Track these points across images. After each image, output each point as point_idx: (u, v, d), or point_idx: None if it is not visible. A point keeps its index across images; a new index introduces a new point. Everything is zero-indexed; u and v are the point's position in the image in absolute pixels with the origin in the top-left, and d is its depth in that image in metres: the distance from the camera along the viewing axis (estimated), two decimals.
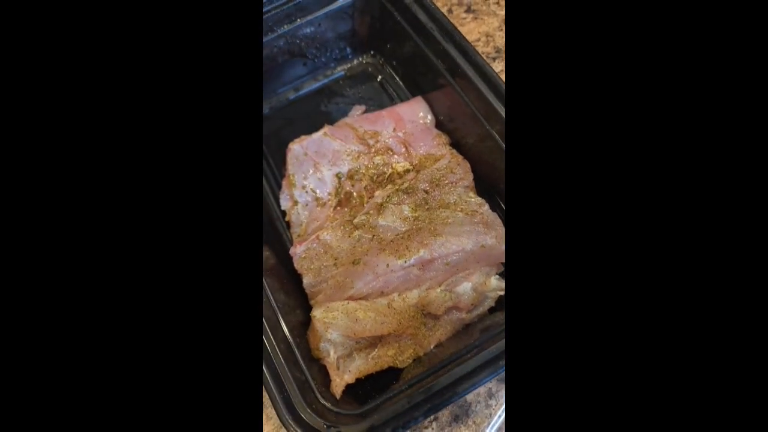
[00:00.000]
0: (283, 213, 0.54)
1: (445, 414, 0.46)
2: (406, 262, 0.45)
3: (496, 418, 0.47)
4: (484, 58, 0.63)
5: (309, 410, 0.37)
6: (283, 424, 0.36)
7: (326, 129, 0.56)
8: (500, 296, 0.47)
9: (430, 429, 0.45)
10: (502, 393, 0.47)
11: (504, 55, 0.65)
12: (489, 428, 0.46)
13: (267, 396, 0.38)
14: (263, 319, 0.42)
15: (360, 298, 0.46)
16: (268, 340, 0.40)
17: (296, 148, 0.55)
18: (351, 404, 0.41)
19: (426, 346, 0.45)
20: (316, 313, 0.44)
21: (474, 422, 0.46)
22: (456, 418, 0.46)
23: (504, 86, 0.48)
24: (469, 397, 0.47)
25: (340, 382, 0.42)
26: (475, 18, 0.67)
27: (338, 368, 0.43)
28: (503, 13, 0.67)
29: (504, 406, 0.47)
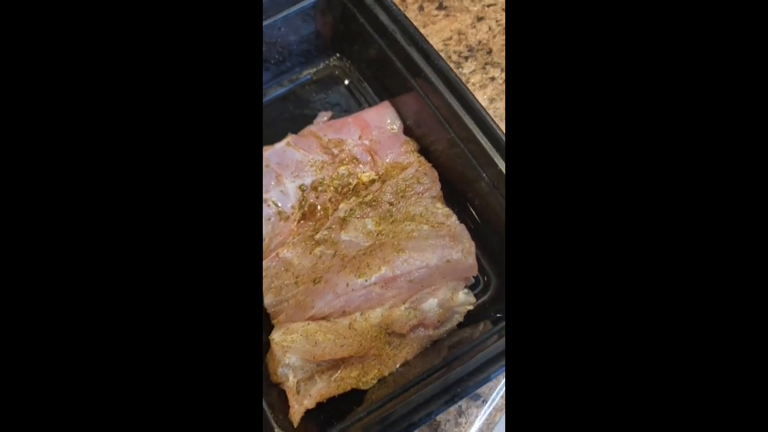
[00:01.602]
0: None
1: None
2: (366, 280, 0.43)
3: None
4: (456, 57, 0.60)
5: None
6: None
7: (289, 138, 0.54)
8: (470, 311, 0.46)
9: None
10: (473, 411, 0.46)
11: (476, 54, 0.62)
12: None
13: None
14: None
15: (321, 318, 0.44)
16: None
17: None
18: (311, 431, 0.39)
19: (391, 365, 0.43)
20: (275, 336, 0.42)
21: None
22: None
23: (468, 92, 0.46)
24: (439, 416, 0.45)
25: (298, 408, 0.40)
26: (447, 15, 0.64)
27: (298, 392, 0.41)
28: (476, 8, 0.65)
29: (473, 425, 0.45)
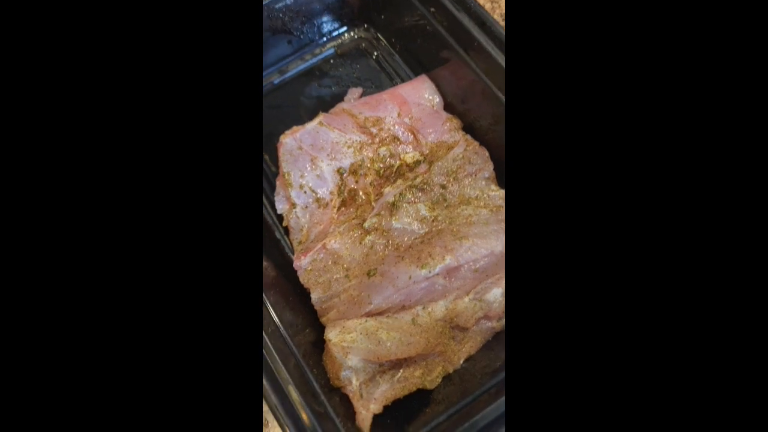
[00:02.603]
0: (280, 217, 0.48)
1: None
2: (430, 271, 0.39)
3: None
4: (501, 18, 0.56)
5: None
6: None
7: (321, 117, 0.49)
8: None
9: None
10: None
11: None
12: None
13: None
14: (270, 346, 0.36)
15: (378, 314, 0.40)
16: (279, 370, 0.35)
17: (289, 141, 0.48)
18: None
19: (456, 362, 0.40)
20: (332, 336, 0.39)
21: None
22: None
23: None
24: None
25: (366, 414, 0.37)
26: None
27: (362, 397, 0.38)
28: None
29: None
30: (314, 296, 0.42)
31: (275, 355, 0.36)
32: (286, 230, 0.47)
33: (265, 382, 0.34)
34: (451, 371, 0.40)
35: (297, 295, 0.44)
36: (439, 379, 0.40)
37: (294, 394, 0.34)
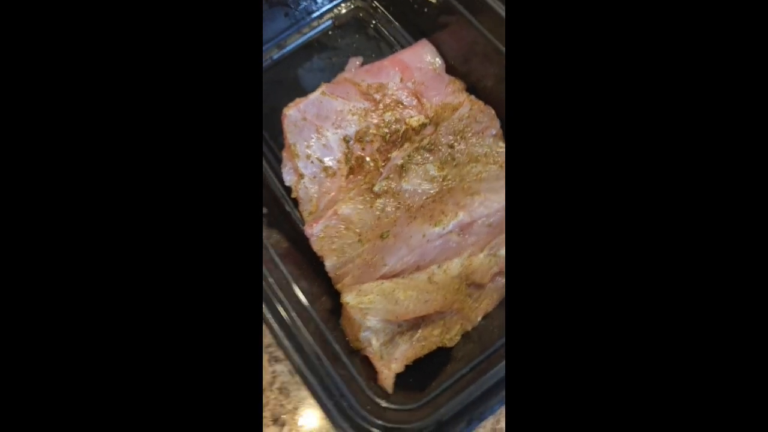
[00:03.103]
0: (288, 189, 0.47)
1: None
2: (443, 229, 0.39)
3: None
4: None
5: (365, 412, 0.32)
6: None
7: (324, 87, 0.49)
8: None
9: (494, 413, 0.41)
10: None
11: None
12: None
13: (317, 404, 0.33)
14: (293, 310, 0.36)
15: (393, 276, 0.40)
16: (303, 338, 0.35)
17: (293, 113, 0.48)
18: (406, 396, 0.36)
19: (473, 319, 0.40)
20: (349, 299, 0.39)
21: None
22: None
23: None
24: None
25: (389, 373, 0.37)
26: None
27: (382, 357, 0.38)
28: None
29: None
30: (328, 263, 0.42)
31: (298, 324, 0.36)
32: (295, 202, 0.47)
33: (289, 346, 0.34)
34: (469, 329, 0.40)
35: (310, 265, 0.44)
36: (458, 337, 0.40)
37: (319, 358, 0.34)
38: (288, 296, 0.38)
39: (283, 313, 0.36)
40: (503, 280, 0.42)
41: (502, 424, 0.39)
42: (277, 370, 0.45)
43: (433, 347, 0.39)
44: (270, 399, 0.44)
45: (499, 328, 0.40)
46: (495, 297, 0.42)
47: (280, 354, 0.45)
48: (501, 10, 0.43)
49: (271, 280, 0.37)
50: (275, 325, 0.35)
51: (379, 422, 0.32)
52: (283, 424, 0.43)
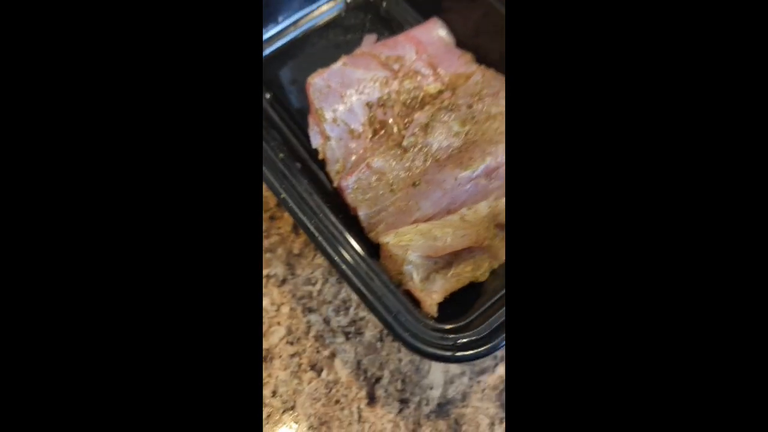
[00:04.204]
0: (315, 153, 0.50)
1: None
2: (473, 172, 0.43)
3: None
4: None
5: (421, 326, 0.34)
6: (404, 343, 0.34)
7: (345, 59, 0.52)
8: None
9: None
10: None
11: None
12: None
13: (380, 322, 0.35)
14: (345, 250, 0.38)
15: (426, 220, 0.43)
16: (359, 268, 0.37)
17: (317, 81, 0.51)
18: (450, 321, 0.39)
19: (501, 257, 0.44)
20: (389, 239, 0.41)
21: None
22: None
23: None
24: None
25: (431, 301, 0.40)
26: None
27: (423, 290, 0.41)
28: None
29: None
30: (362, 213, 0.45)
31: (352, 259, 0.38)
32: (322, 163, 0.50)
33: (350, 274, 0.37)
34: (496, 266, 0.44)
35: (340, 216, 0.46)
36: (487, 274, 0.43)
37: (375, 283, 0.37)
38: (338, 234, 0.40)
39: (337, 250, 0.38)
40: None
41: None
42: (311, 320, 0.47)
43: (466, 282, 0.42)
44: (306, 347, 0.46)
45: None
46: None
47: (313, 305, 0.47)
48: None
49: (320, 217, 0.40)
50: (329, 249, 0.37)
51: (436, 334, 0.34)
52: (320, 370, 0.45)
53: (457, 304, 0.42)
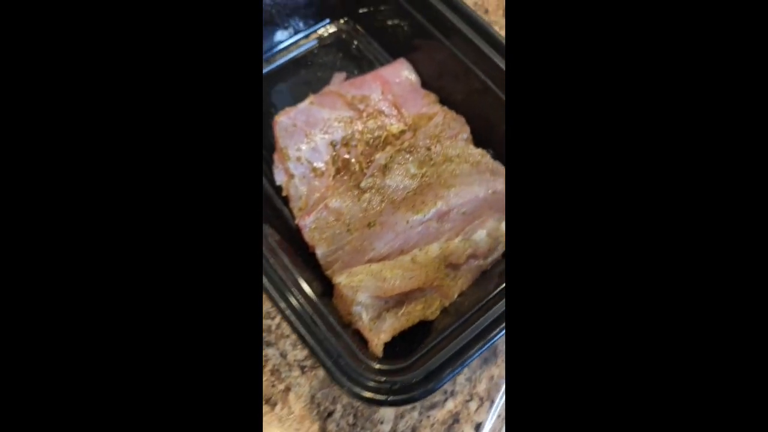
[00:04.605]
0: (279, 189, 0.52)
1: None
2: (424, 216, 0.45)
3: None
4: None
5: (361, 370, 0.36)
6: (342, 387, 0.35)
7: (312, 98, 0.54)
8: None
9: (462, 371, 0.46)
10: None
11: (483, 8, 0.66)
12: None
13: (321, 365, 0.37)
14: (291, 294, 0.40)
15: (380, 260, 0.45)
16: (305, 311, 0.39)
17: (283, 120, 0.53)
18: (393, 361, 0.40)
19: (451, 296, 0.46)
20: (341, 279, 0.43)
21: (502, 361, 0.47)
22: (486, 360, 0.47)
23: (497, 35, 0.49)
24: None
25: (378, 341, 0.41)
26: None
27: (372, 330, 0.42)
28: None
29: None
30: (319, 251, 0.46)
31: (300, 302, 0.40)
32: (286, 199, 0.51)
33: (294, 319, 0.38)
34: (447, 305, 0.46)
35: (300, 254, 0.48)
36: (438, 312, 0.45)
37: (318, 326, 0.38)
38: (287, 278, 0.42)
39: (288, 290, 0.40)
40: (476, 262, 0.47)
41: (476, 375, 0.45)
42: (268, 354, 0.48)
43: (416, 320, 0.44)
44: (262, 381, 0.47)
45: (473, 304, 0.45)
46: (469, 276, 0.47)
47: (271, 338, 0.49)
48: (468, 32, 0.50)
49: (270, 262, 0.41)
50: (274, 294, 0.39)
51: (374, 377, 0.36)
52: (275, 404, 0.46)
53: (406, 342, 0.44)
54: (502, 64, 0.48)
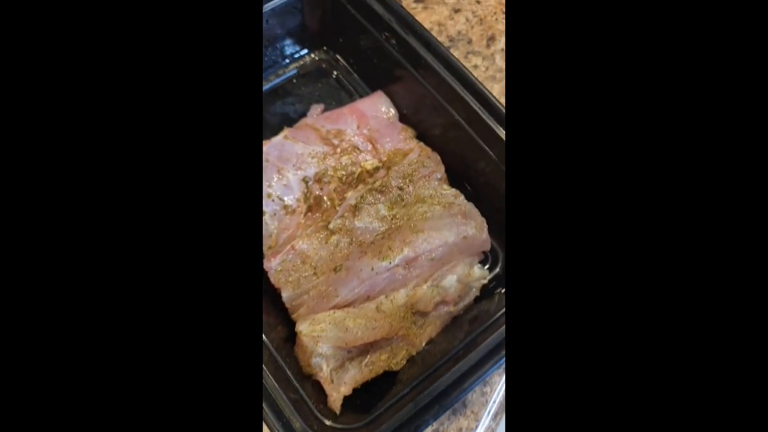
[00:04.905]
0: None
1: None
2: (390, 262, 0.44)
3: (491, 404, 0.47)
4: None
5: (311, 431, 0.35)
6: None
7: (286, 132, 0.53)
8: (484, 285, 0.48)
9: (430, 425, 0.44)
10: (496, 379, 0.48)
11: (457, 44, 0.65)
12: (486, 415, 0.47)
13: (264, 423, 0.35)
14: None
15: (345, 306, 0.44)
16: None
17: None
18: (353, 417, 0.39)
19: (418, 344, 0.44)
20: (302, 328, 0.42)
21: (472, 412, 0.46)
22: (454, 411, 0.46)
23: (470, 74, 0.48)
24: None
25: (337, 396, 0.40)
26: (426, 8, 0.66)
27: (332, 381, 0.41)
28: (452, 1, 0.67)
29: (499, 392, 0.47)
30: (285, 294, 0.45)
31: None
32: None
33: None
34: (414, 354, 0.44)
35: (268, 296, 0.47)
36: (404, 362, 0.44)
37: (270, 383, 0.37)
38: None
39: None
40: (446, 308, 0.46)
41: (443, 427, 0.43)
42: None
43: (380, 371, 0.43)
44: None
45: (442, 352, 0.44)
46: (438, 324, 0.46)
47: None
48: (441, 70, 0.49)
49: None
50: None
51: None
52: None
53: (370, 394, 0.42)
54: (473, 104, 0.47)
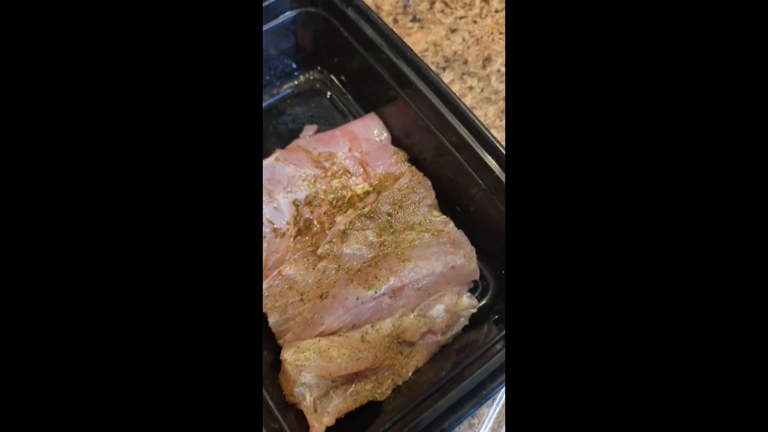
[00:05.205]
0: None
1: None
2: (376, 292, 0.43)
3: None
4: (434, 68, 0.62)
5: None
6: None
7: (278, 153, 0.53)
8: (473, 314, 0.47)
9: None
10: (483, 411, 0.47)
11: (453, 65, 0.64)
12: None
13: None
14: None
15: (331, 334, 0.44)
16: None
17: None
18: None
19: (404, 374, 0.44)
20: (287, 356, 0.42)
21: None
22: None
23: (459, 101, 0.48)
24: None
25: (319, 427, 0.40)
26: (422, 27, 0.66)
27: (316, 411, 0.41)
28: (449, 21, 0.67)
29: (487, 425, 0.47)
30: (271, 320, 0.45)
31: None
32: None
33: None
34: (400, 383, 0.44)
35: None
36: (389, 391, 0.43)
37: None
38: None
39: None
40: (433, 338, 0.45)
41: None
42: None
43: (365, 401, 0.42)
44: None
45: (428, 382, 0.43)
46: (425, 353, 0.45)
47: None
48: (430, 95, 0.49)
49: None
50: None
51: None
52: None
53: (355, 423, 0.42)
54: (462, 131, 0.47)
